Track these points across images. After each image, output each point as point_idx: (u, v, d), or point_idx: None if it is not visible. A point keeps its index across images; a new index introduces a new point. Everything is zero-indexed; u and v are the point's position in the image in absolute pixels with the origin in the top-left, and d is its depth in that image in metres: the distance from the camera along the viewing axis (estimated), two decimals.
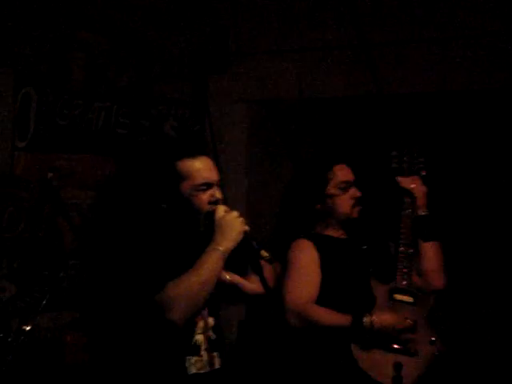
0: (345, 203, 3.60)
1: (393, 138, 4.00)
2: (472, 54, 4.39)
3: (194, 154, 2.97)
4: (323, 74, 4.84)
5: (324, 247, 3.56)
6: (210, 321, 2.96)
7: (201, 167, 2.95)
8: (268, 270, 2.97)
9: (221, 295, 3.00)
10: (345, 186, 3.61)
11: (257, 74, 5.03)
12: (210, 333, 2.95)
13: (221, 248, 2.83)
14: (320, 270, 3.51)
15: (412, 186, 3.59)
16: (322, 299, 3.49)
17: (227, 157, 5.01)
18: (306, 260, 3.53)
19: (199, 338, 2.90)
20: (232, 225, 2.87)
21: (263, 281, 2.87)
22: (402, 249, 3.55)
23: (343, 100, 5.02)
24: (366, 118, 5.22)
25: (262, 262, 2.91)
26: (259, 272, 2.89)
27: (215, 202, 2.93)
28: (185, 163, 2.93)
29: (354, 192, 3.61)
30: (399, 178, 3.62)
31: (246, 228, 2.89)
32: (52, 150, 4.23)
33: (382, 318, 3.42)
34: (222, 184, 3.02)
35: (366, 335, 3.38)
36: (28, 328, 3.37)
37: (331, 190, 3.61)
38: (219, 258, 2.83)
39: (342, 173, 3.63)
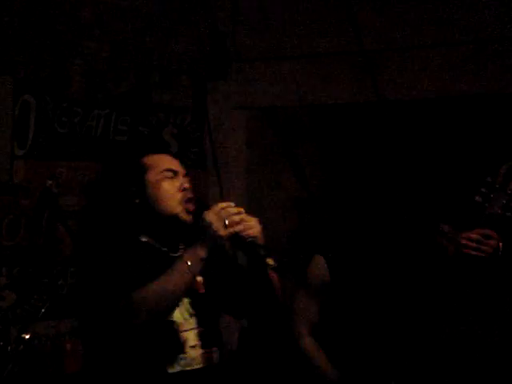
0: None
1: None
2: (473, 60, 4.39)
3: (158, 151, 3.01)
4: (323, 81, 4.84)
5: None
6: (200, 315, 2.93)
7: (164, 159, 2.97)
8: (275, 280, 2.93)
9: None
10: None
11: (256, 81, 5.03)
12: (201, 328, 2.91)
13: (189, 262, 2.73)
14: None
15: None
16: None
17: (226, 163, 5.01)
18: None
19: (185, 335, 2.88)
20: (212, 230, 2.75)
21: (270, 289, 2.84)
22: None
23: (343, 107, 5.02)
24: (366, 125, 5.22)
25: (270, 272, 2.87)
26: (265, 280, 2.86)
27: (186, 190, 2.91)
28: (149, 157, 2.96)
29: None
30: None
31: (228, 232, 2.75)
32: (51, 158, 4.23)
33: None
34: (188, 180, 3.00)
35: None
36: (28, 336, 3.36)
37: None
38: (185, 271, 2.74)
39: None
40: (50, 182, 4.08)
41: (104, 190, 3.03)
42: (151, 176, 2.91)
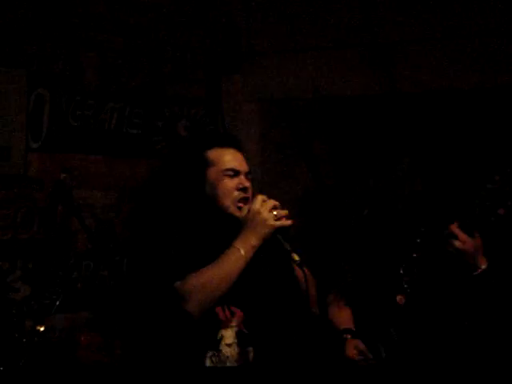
0: None
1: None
2: (488, 52, 4.36)
3: (224, 144, 2.98)
4: (337, 73, 4.83)
5: None
6: (241, 315, 2.94)
7: (229, 156, 2.96)
8: (300, 275, 2.93)
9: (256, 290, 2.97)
10: None
11: (270, 73, 5.02)
12: (242, 327, 2.93)
13: (242, 249, 2.80)
14: None
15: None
16: None
17: None
18: None
19: (224, 332, 2.89)
20: (262, 220, 2.82)
21: (294, 285, 2.85)
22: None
23: (357, 99, 5.00)
24: (380, 117, 5.19)
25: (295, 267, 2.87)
26: (289, 274, 2.86)
27: (243, 189, 2.92)
28: (213, 151, 2.93)
29: None
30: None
31: (278, 224, 2.83)
32: (65, 151, 4.24)
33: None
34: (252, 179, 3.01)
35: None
36: (42, 329, 3.38)
37: None
38: (240, 259, 2.81)
39: None
40: (63, 175, 4.09)
41: (165, 181, 3.04)
42: (212, 173, 2.95)
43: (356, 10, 4.71)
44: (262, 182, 5.10)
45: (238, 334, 2.92)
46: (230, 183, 2.92)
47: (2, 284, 3.99)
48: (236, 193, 2.93)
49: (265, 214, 2.82)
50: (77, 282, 4.27)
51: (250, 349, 2.96)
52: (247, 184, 2.94)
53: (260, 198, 2.90)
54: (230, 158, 2.95)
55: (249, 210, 2.86)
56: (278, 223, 2.85)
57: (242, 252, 2.80)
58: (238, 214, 2.94)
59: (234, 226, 2.93)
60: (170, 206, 2.96)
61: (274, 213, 2.84)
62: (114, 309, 4.14)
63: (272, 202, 2.88)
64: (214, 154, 2.95)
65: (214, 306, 2.86)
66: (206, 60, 4.98)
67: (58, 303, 3.69)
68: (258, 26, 5.02)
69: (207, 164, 2.94)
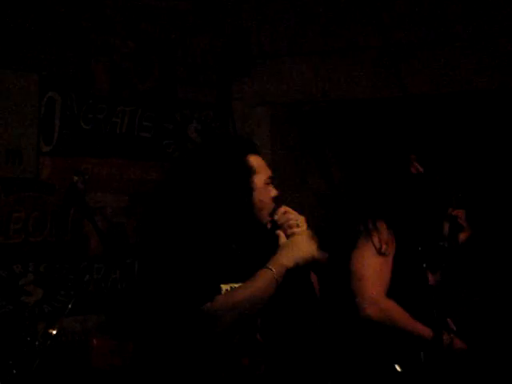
0: None
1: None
2: (499, 54, 4.36)
3: (256, 151, 2.95)
4: (347, 76, 4.82)
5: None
6: (258, 323, 2.93)
7: (263, 162, 2.94)
8: (315, 280, 2.93)
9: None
10: None
11: (280, 76, 5.02)
12: (258, 336, 2.92)
13: (274, 270, 2.76)
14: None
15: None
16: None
17: None
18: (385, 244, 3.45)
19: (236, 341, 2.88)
20: (303, 246, 2.82)
21: (312, 291, 2.84)
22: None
23: (367, 102, 5.00)
24: (390, 120, 5.19)
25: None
26: (307, 281, 2.85)
27: (276, 198, 2.90)
28: (253, 158, 2.90)
29: None
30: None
31: (316, 254, 2.83)
32: (77, 154, 4.25)
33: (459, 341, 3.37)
34: None
35: (441, 353, 3.31)
36: (54, 332, 3.37)
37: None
38: (271, 279, 2.77)
39: None
40: (75, 178, 4.10)
41: (199, 188, 2.90)
42: (258, 181, 2.88)
43: (366, 13, 4.71)
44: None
45: (254, 343, 2.91)
46: (271, 192, 2.90)
47: (14, 287, 4.00)
48: (272, 204, 2.89)
49: (305, 241, 2.81)
50: (89, 284, 4.28)
51: (260, 359, 2.94)
52: (277, 192, 2.93)
53: (302, 219, 2.87)
54: (266, 166, 2.91)
55: (291, 235, 2.83)
56: (317, 253, 2.84)
57: (275, 274, 2.76)
58: (269, 225, 2.91)
59: (266, 239, 2.90)
60: (199, 214, 2.84)
61: (313, 241, 2.83)
62: (126, 312, 4.14)
63: (309, 231, 2.87)
64: (254, 160, 2.89)
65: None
66: (217, 64, 4.99)
67: (70, 306, 3.68)
68: (268, 29, 5.03)
69: (252, 171, 2.87)
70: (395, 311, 3.38)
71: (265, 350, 2.92)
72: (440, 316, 3.25)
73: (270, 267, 2.77)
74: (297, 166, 5.25)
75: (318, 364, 3.26)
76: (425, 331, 3.28)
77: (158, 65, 4.65)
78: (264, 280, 2.76)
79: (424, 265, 3.33)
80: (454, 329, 3.38)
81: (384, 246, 3.41)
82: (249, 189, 2.85)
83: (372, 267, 3.40)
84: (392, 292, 3.41)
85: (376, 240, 3.42)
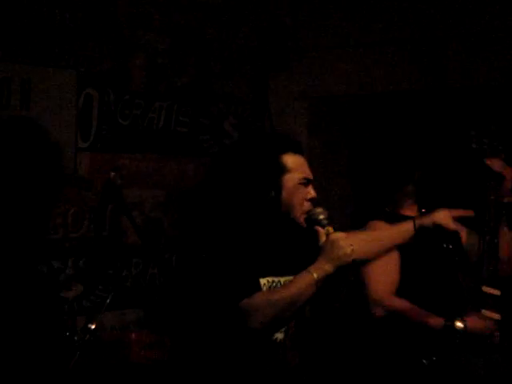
0: None
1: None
2: None
3: (296, 150, 2.95)
4: (384, 69, 4.79)
5: None
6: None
7: (304, 164, 2.94)
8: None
9: None
10: None
11: (317, 70, 5.00)
12: (293, 329, 2.93)
13: (315, 275, 2.77)
14: (399, 255, 3.45)
15: (502, 168, 3.35)
16: (406, 288, 3.44)
17: None
18: None
19: (279, 335, 2.89)
20: (341, 249, 2.81)
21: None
22: (488, 238, 3.34)
23: (404, 94, 4.96)
24: (426, 112, 5.15)
25: None
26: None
27: (312, 200, 2.90)
28: (288, 157, 2.90)
29: None
30: (489, 160, 3.35)
31: (352, 258, 2.82)
32: (114, 150, 4.28)
33: (474, 323, 3.30)
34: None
35: (457, 340, 3.29)
36: (93, 326, 3.39)
37: None
38: (312, 283, 2.77)
39: None
40: (113, 173, 4.11)
41: (233, 184, 2.95)
42: (289, 180, 2.88)
43: (402, 6, 4.67)
44: None
45: (291, 337, 2.91)
46: (304, 192, 2.89)
47: (53, 283, 4.03)
48: (306, 204, 2.89)
49: (347, 249, 2.80)
50: (127, 279, 4.31)
51: (295, 352, 2.94)
52: (315, 195, 2.91)
53: (343, 234, 2.87)
54: (305, 167, 2.91)
55: (327, 237, 2.83)
56: (355, 256, 2.84)
57: (316, 278, 2.77)
58: (303, 224, 2.91)
59: (301, 237, 2.91)
60: (236, 211, 2.86)
61: (352, 247, 2.83)
62: (164, 306, 4.16)
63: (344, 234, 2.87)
64: (290, 159, 2.89)
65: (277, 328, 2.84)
66: (253, 58, 4.98)
67: (108, 301, 3.70)
68: (305, 23, 5.01)
69: (284, 170, 2.88)
70: (401, 308, 3.38)
71: (300, 341, 2.93)
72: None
73: (312, 272, 2.78)
74: (333, 160, 5.23)
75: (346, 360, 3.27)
76: (436, 322, 3.29)
77: (194, 60, 4.65)
78: (305, 283, 2.78)
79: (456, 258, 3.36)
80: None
81: None
82: (277, 187, 2.85)
83: (373, 269, 3.42)
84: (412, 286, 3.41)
85: None
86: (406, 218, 3.47)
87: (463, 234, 3.59)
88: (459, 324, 3.27)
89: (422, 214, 3.51)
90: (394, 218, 3.49)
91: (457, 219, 3.21)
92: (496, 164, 3.35)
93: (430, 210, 3.52)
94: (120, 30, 4.29)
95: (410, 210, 3.61)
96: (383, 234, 3.22)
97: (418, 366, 3.33)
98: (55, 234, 4.04)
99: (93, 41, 4.17)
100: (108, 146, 4.24)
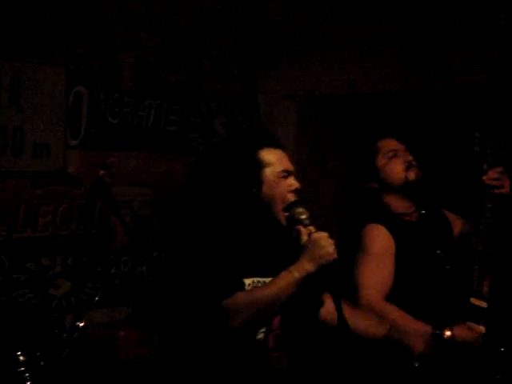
0: (397, 167, 3.52)
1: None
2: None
3: (274, 144, 2.96)
4: (373, 69, 4.80)
5: (398, 231, 3.45)
6: (278, 319, 2.94)
7: (282, 157, 2.94)
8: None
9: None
10: (392, 155, 3.54)
11: (306, 70, 5.01)
12: (278, 331, 2.94)
13: (296, 274, 2.77)
14: (394, 259, 3.44)
15: (500, 181, 3.33)
16: (396, 293, 3.43)
17: None
18: (379, 248, 3.42)
19: (260, 335, 2.89)
20: (322, 248, 2.81)
21: (340, 311, 2.82)
22: (480, 248, 3.33)
23: (393, 95, 4.98)
24: (416, 112, 5.17)
25: None
26: (337, 301, 2.84)
27: (296, 191, 2.90)
28: (266, 151, 2.91)
29: (404, 157, 3.54)
30: (489, 172, 3.34)
31: (335, 255, 2.81)
32: (103, 148, 4.28)
33: (462, 333, 3.29)
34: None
35: (445, 349, 3.30)
36: (82, 324, 3.40)
37: (380, 161, 3.55)
38: (292, 283, 2.78)
39: (387, 143, 3.57)
40: (102, 171, 4.12)
41: (214, 182, 2.96)
42: (269, 174, 2.88)
43: (391, 7, 4.69)
44: (297, 177, 5.10)
45: (275, 339, 2.92)
46: (286, 185, 2.90)
47: (42, 280, 4.04)
48: (289, 195, 2.90)
49: (329, 248, 2.81)
50: (115, 277, 4.31)
51: (283, 353, 2.95)
52: (298, 185, 2.92)
53: (325, 234, 2.87)
54: (284, 160, 2.92)
55: (309, 236, 2.83)
56: (336, 255, 2.84)
57: (297, 277, 2.78)
58: (283, 221, 2.91)
59: (283, 233, 2.91)
60: (218, 209, 2.87)
61: (333, 247, 2.83)
62: (152, 305, 4.16)
63: (326, 233, 2.87)
64: (268, 154, 2.90)
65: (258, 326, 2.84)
66: (242, 57, 5.00)
67: (97, 299, 3.71)
68: (294, 22, 5.02)
69: (263, 165, 2.89)
70: (391, 314, 3.37)
71: (287, 344, 2.93)
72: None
73: (294, 271, 2.79)
74: (322, 158, 5.24)
75: (335, 360, 3.28)
76: (425, 329, 3.28)
77: (184, 59, 4.66)
78: (285, 283, 2.79)
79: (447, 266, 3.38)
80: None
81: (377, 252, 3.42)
82: (257, 183, 2.85)
83: (365, 275, 3.40)
84: (406, 291, 3.43)
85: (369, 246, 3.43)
86: (402, 218, 3.52)
87: (458, 222, 3.61)
88: (448, 333, 3.27)
89: (421, 215, 3.53)
90: (391, 220, 3.50)
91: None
92: (494, 177, 3.35)
93: (430, 210, 3.57)
94: (110, 28, 4.29)
95: (404, 209, 3.59)
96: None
97: (408, 369, 3.33)
98: (44, 231, 4.04)
99: (83, 39, 4.18)
100: (97, 144, 4.25)
